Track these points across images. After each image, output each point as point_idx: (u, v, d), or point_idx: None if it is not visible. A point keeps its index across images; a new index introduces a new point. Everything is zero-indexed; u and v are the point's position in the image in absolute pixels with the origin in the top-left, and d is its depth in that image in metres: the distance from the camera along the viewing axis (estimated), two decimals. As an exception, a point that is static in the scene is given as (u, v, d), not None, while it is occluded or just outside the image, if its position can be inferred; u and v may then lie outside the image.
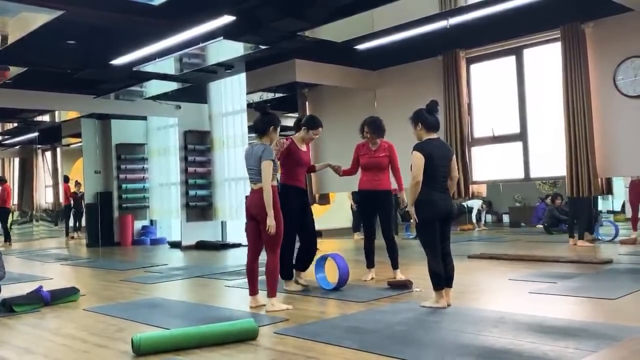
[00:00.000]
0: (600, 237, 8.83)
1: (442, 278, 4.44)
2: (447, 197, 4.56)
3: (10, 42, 6.60)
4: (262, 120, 4.71)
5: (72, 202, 13.94)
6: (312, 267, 5.66)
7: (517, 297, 4.89)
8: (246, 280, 4.88)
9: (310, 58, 8.54)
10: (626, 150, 7.16)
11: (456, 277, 4.66)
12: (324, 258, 5.62)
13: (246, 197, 4.88)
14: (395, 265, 5.88)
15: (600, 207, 9.50)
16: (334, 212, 12.25)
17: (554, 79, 7.69)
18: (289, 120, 11.71)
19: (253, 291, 4.77)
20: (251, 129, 9.94)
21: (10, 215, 13.96)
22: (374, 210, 5.93)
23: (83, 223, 13.50)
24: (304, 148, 5.67)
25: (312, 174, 10.27)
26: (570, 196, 7.78)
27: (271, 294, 4.61)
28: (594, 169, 7.29)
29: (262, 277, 4.74)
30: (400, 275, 5.78)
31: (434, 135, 4.56)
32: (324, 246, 9.76)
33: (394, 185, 6.00)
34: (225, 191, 11.20)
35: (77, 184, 13.71)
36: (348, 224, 11.86)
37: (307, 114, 10.39)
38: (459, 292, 4.84)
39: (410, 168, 4.50)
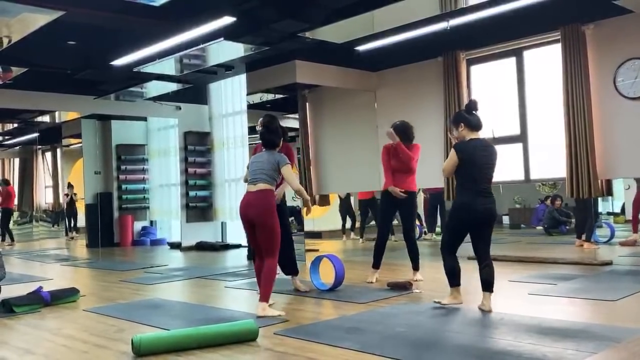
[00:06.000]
0: (597, 239, 8.82)
1: (457, 274, 4.44)
2: (489, 202, 4.41)
3: (11, 42, 6.60)
4: (270, 135, 4.71)
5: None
6: (308, 267, 5.68)
7: (517, 298, 4.90)
8: (246, 281, 4.88)
9: (311, 59, 8.53)
10: (626, 152, 7.15)
11: (493, 283, 4.45)
12: (319, 259, 5.62)
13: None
14: (416, 267, 5.95)
15: (600, 209, 9.49)
16: (333, 213, 12.24)
17: (554, 80, 7.68)
18: (289, 122, 11.71)
19: None
20: (251, 130, 10.02)
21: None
22: (395, 211, 5.97)
23: (81, 224, 13.46)
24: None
25: (311, 175, 10.27)
26: (575, 198, 7.77)
27: (263, 298, 4.47)
28: (594, 171, 7.29)
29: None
30: (420, 277, 5.85)
31: (477, 135, 4.48)
32: (323, 247, 9.76)
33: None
34: (225, 192, 11.21)
35: (70, 186, 13.62)
36: (348, 226, 11.85)
37: (307, 115, 10.40)
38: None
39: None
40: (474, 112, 4.50)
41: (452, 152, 4.40)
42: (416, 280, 5.73)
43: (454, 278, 4.48)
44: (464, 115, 4.49)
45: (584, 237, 8.32)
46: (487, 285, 4.39)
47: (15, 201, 14.69)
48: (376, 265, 5.97)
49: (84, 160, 12.22)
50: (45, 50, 7.39)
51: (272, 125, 4.77)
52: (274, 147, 4.72)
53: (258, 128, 4.94)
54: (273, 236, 4.54)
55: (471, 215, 4.36)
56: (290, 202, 6.46)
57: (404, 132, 5.93)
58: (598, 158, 7.31)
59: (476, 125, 4.46)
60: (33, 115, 11.81)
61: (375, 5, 6.08)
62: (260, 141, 4.81)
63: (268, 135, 4.71)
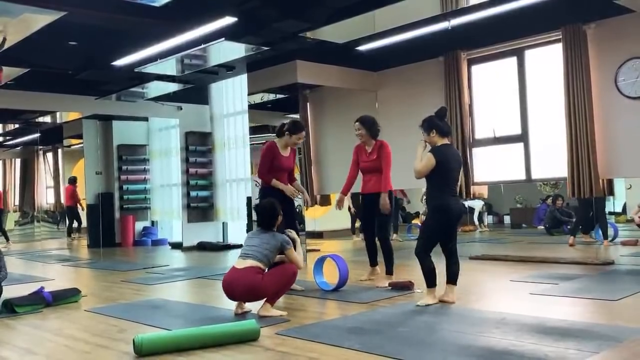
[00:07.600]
0: (599, 239, 8.82)
1: (435, 275, 4.59)
2: (459, 202, 4.80)
3: (12, 43, 6.61)
4: (270, 220, 4.73)
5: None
6: (310, 267, 5.67)
7: (519, 298, 4.89)
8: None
9: (312, 59, 8.54)
10: (627, 152, 7.16)
11: (458, 278, 4.68)
12: (322, 259, 5.62)
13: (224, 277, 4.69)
14: (388, 271, 5.77)
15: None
16: (334, 213, 12.24)
17: (555, 80, 7.69)
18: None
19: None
20: (252, 130, 10.04)
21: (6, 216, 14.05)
22: (372, 213, 5.93)
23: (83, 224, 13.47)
24: (286, 153, 5.69)
25: (312, 175, 10.28)
26: (577, 197, 7.79)
27: (271, 300, 4.49)
28: (595, 170, 7.29)
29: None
30: (387, 283, 5.54)
31: (446, 141, 4.71)
32: (325, 247, 9.77)
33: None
34: (226, 192, 11.22)
35: (75, 183, 13.60)
36: (349, 225, 11.85)
37: (308, 115, 10.41)
38: (460, 294, 4.84)
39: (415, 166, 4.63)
40: (444, 119, 4.76)
41: (430, 156, 4.59)
42: (386, 286, 5.42)
43: (433, 279, 4.62)
44: (437, 122, 4.71)
45: (586, 234, 8.38)
46: (455, 278, 4.69)
47: (17, 202, 14.71)
48: (372, 264, 6.01)
49: (85, 160, 12.23)
50: (47, 50, 7.40)
51: (270, 211, 4.73)
52: (270, 228, 4.72)
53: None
54: (275, 286, 4.47)
55: (449, 215, 4.62)
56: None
57: (371, 127, 5.81)
58: (599, 158, 7.31)
59: (447, 132, 4.75)
60: (34, 116, 11.82)
61: (376, 5, 6.08)
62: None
63: (266, 219, 4.73)
